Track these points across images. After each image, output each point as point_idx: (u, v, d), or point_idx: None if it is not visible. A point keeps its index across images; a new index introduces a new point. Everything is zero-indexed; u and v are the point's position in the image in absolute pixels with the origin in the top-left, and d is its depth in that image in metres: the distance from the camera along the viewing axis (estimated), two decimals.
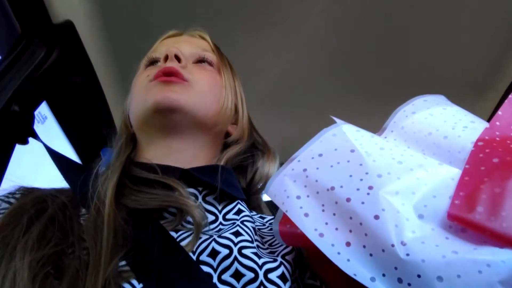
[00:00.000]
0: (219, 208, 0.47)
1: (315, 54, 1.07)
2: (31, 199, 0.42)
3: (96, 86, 0.98)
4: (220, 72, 0.58)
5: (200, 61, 0.57)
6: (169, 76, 0.51)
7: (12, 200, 0.43)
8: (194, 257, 0.39)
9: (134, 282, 0.36)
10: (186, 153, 0.52)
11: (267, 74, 1.09)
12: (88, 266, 0.35)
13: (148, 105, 0.50)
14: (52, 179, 0.52)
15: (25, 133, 0.71)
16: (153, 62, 0.57)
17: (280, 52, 1.06)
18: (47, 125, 0.84)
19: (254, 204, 0.57)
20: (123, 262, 0.37)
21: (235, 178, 0.52)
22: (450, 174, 0.32)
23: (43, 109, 0.82)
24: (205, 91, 0.53)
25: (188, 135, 0.52)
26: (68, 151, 0.97)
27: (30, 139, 0.71)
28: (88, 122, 1.00)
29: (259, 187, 0.56)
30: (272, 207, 0.55)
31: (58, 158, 0.52)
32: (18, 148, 0.71)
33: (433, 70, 1.11)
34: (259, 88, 1.07)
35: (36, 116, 0.76)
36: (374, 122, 0.44)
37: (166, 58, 0.54)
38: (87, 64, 0.91)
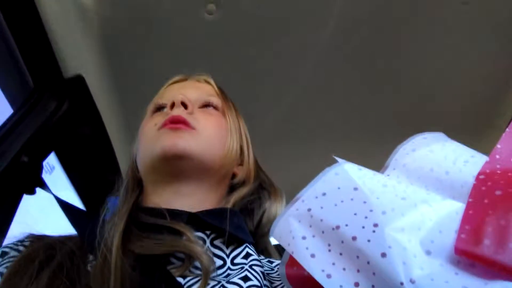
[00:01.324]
0: (227, 252, 0.46)
1: (315, 97, 1.11)
2: (40, 247, 0.42)
3: (104, 137, 1.00)
4: (225, 115, 0.59)
5: (206, 105, 0.59)
6: (177, 124, 0.52)
7: (21, 248, 0.44)
8: None
9: None
10: (193, 197, 0.52)
11: (267, 117, 1.12)
12: None
13: (156, 152, 0.51)
14: (59, 227, 0.52)
15: (33, 183, 0.72)
16: (159, 108, 0.59)
17: (280, 94, 1.09)
18: (54, 175, 0.85)
19: (262, 247, 0.56)
20: None
21: (243, 221, 0.52)
22: (455, 208, 0.32)
23: (51, 160, 0.84)
24: (212, 137, 0.54)
25: (195, 180, 0.52)
26: (75, 201, 0.98)
27: (38, 189, 0.72)
28: (95, 172, 1.01)
29: (266, 229, 0.56)
30: (280, 250, 0.55)
31: (66, 207, 0.52)
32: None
33: (432, 110, 1.13)
34: (260, 129, 1.09)
35: (44, 166, 0.78)
36: (376, 161, 0.44)
37: (173, 104, 0.55)
38: (96, 116, 0.94)
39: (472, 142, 0.40)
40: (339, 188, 0.37)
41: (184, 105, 0.55)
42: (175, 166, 0.51)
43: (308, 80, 1.06)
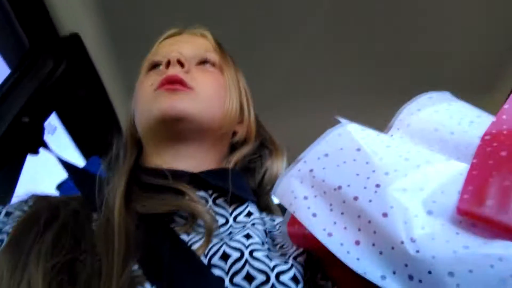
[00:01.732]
0: (230, 211, 0.47)
1: (317, 53, 1.08)
2: (44, 207, 0.43)
3: (103, 96, 0.99)
4: (223, 72, 0.57)
5: (203, 62, 0.56)
6: (173, 84, 0.50)
7: (25, 208, 0.44)
8: (206, 261, 0.39)
9: (147, 285, 0.36)
10: (194, 158, 0.52)
11: (269, 75, 1.09)
12: (101, 273, 0.35)
13: (153, 115, 0.50)
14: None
15: (36, 143, 0.73)
16: (154, 66, 0.56)
17: (281, 52, 1.07)
18: (57, 135, 0.85)
19: (264, 205, 0.57)
20: (136, 266, 0.37)
21: (244, 180, 0.52)
22: (458, 169, 0.32)
23: (53, 120, 0.84)
24: (210, 96, 0.52)
25: (194, 141, 0.52)
26: (78, 160, 0.98)
27: (41, 150, 0.73)
28: (96, 131, 1.02)
29: (268, 188, 0.56)
30: (283, 208, 0.55)
31: (68, 167, 0.52)
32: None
33: (436, 69, 1.10)
34: (262, 88, 1.07)
35: (46, 127, 0.78)
36: (379, 121, 0.44)
37: (168, 63, 0.52)
38: (94, 74, 0.93)
39: (476, 103, 0.39)
40: (341, 149, 0.37)
41: (180, 63, 0.52)
42: (173, 129, 0.50)
43: (309, 38, 1.03)
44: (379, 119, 0.44)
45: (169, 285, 0.36)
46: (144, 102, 0.53)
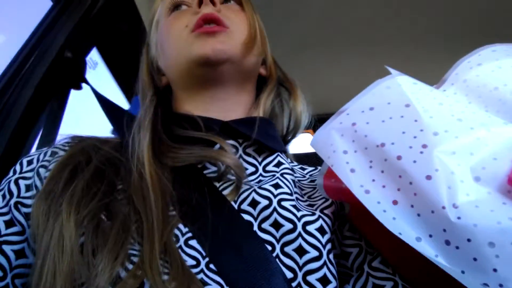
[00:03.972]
0: (259, 160, 0.47)
1: None
2: (77, 151, 0.43)
3: (142, 31, 0.98)
4: (245, 10, 0.55)
5: (227, 0, 0.55)
6: (210, 24, 0.49)
7: (67, 149, 0.45)
8: (236, 206, 0.40)
9: (181, 226, 0.38)
10: (228, 101, 0.51)
11: (314, 15, 1.00)
12: (137, 218, 0.36)
13: (194, 58, 0.48)
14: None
15: (79, 78, 0.74)
16: (178, 5, 0.54)
17: None
18: (98, 70, 0.87)
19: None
20: (171, 208, 0.39)
21: (274, 129, 0.52)
22: None
23: (94, 55, 0.85)
24: (245, 36, 0.51)
25: (231, 83, 0.51)
26: (119, 96, 1.01)
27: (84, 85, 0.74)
28: (136, 67, 1.02)
29: (294, 131, 0.57)
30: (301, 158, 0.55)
31: (107, 106, 0.53)
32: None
33: (505, 13, 0.96)
34: (305, 31, 0.97)
35: (87, 62, 0.79)
36: (434, 73, 0.41)
37: (200, 1, 0.51)
38: (133, 9, 0.91)
39: None
40: (389, 103, 0.35)
41: (212, 2, 0.51)
42: (216, 72, 0.49)
43: None
44: (433, 72, 0.41)
45: (202, 227, 0.38)
46: (179, 45, 0.50)
